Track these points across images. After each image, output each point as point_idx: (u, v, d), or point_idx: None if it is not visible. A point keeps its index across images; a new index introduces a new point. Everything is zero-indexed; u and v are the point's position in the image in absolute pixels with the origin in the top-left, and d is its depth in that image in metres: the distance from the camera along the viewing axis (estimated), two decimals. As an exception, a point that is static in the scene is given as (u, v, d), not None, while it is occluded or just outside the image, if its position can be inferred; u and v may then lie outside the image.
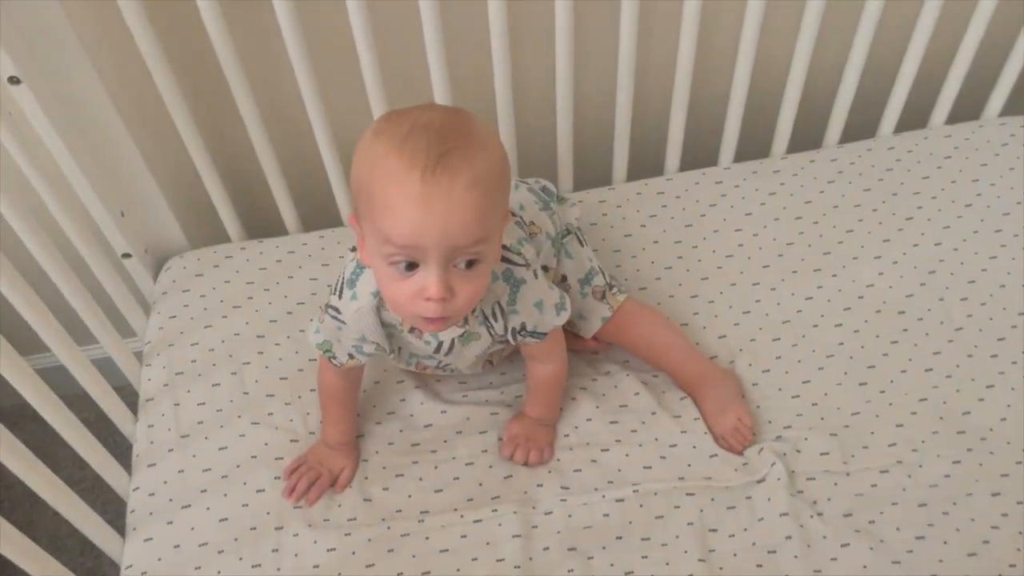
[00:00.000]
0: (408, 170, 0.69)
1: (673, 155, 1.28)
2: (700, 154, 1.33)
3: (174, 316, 1.14)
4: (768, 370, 1.07)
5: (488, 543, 0.93)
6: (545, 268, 0.99)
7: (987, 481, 0.97)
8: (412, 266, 0.73)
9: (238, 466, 0.99)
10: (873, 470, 0.98)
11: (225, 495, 0.97)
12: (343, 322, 0.88)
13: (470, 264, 0.74)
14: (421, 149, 0.69)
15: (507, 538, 0.93)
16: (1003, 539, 0.92)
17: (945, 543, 0.92)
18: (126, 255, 1.15)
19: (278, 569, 0.91)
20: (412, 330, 0.88)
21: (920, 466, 0.98)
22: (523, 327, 0.90)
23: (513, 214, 0.96)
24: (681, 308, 1.13)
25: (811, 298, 1.13)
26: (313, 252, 1.20)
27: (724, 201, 1.24)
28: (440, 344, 0.90)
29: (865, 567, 0.90)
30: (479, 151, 0.72)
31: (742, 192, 1.25)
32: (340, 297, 0.88)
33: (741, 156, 1.30)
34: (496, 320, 0.88)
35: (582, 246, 1.07)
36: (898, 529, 0.93)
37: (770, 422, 1.03)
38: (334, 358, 0.92)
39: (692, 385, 1.04)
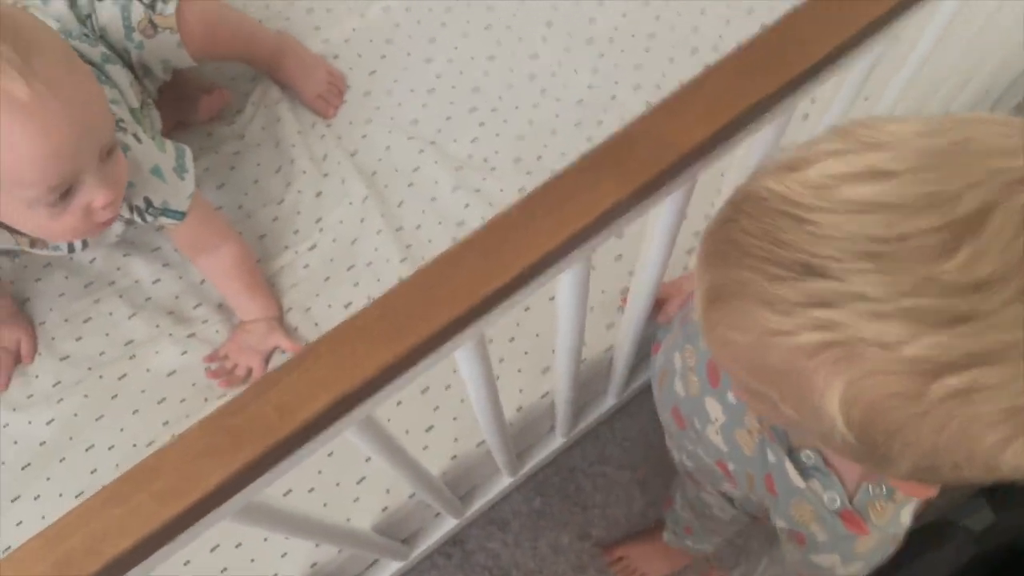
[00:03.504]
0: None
1: None
2: None
3: None
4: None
5: (211, 346, 0.91)
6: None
7: (624, 77, 1.02)
8: (66, 193, 0.65)
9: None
10: (524, 108, 1.01)
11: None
12: None
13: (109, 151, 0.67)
14: None
15: (223, 334, 0.91)
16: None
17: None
18: None
19: (2, 463, 0.86)
20: (34, 244, 0.78)
21: (563, 87, 1.01)
22: (149, 203, 0.78)
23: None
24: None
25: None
26: None
27: None
28: (72, 246, 0.80)
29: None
30: (30, 30, 0.60)
31: None
32: None
33: None
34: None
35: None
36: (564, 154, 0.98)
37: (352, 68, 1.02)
38: None
39: (273, 60, 0.97)
